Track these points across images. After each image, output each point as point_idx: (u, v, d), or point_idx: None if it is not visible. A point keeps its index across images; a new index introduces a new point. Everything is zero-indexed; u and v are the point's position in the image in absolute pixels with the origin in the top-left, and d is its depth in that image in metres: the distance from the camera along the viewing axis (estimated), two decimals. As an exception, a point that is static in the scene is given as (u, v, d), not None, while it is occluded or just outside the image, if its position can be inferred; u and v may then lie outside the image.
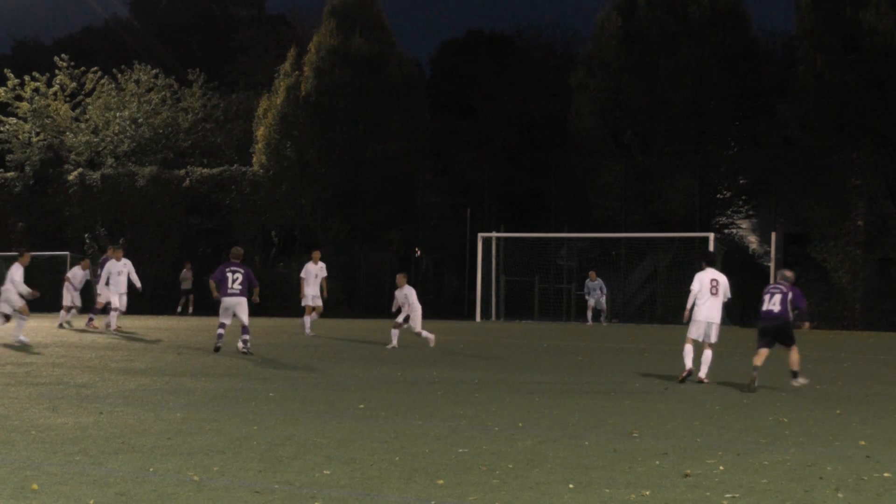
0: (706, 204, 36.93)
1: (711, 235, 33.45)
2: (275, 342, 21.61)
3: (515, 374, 15.41)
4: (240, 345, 18.08)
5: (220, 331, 18.35)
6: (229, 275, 18.37)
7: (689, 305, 15.04)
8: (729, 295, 15.25)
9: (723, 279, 15.09)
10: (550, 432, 9.47)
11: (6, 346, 18.93)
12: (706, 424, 10.18)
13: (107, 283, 23.98)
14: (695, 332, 14.81)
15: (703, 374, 14.54)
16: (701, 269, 15.52)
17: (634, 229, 36.38)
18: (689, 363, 14.57)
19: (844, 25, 32.25)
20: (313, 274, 23.94)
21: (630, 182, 37.04)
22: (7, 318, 20.82)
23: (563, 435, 9.33)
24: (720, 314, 14.86)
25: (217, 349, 18.08)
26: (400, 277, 20.77)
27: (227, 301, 18.30)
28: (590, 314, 32.77)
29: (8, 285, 20.73)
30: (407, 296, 20.32)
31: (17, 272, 20.82)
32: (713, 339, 14.79)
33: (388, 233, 40.41)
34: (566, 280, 37.16)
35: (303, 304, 24.04)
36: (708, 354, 14.65)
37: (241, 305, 18.30)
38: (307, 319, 23.86)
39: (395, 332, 20.36)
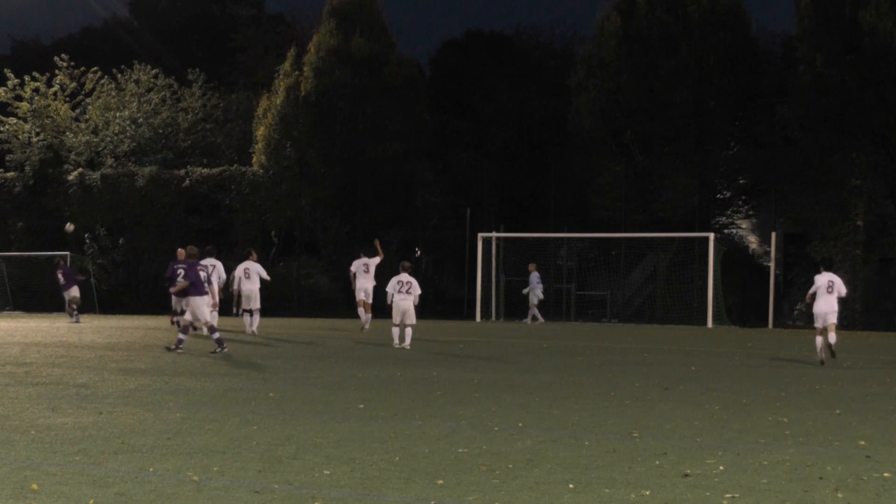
0: (706, 204, 36.94)
1: (711, 235, 33.45)
2: (275, 342, 21.61)
3: (515, 374, 15.40)
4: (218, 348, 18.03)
5: (186, 335, 18.54)
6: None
7: (807, 300, 18.99)
8: (843, 292, 18.86)
9: (837, 280, 18.79)
10: (550, 432, 9.46)
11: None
12: (706, 424, 10.18)
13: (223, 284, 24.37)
14: (819, 322, 18.38)
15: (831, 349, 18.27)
16: (819, 272, 19.08)
17: (634, 229, 36.38)
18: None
19: (844, 25, 32.25)
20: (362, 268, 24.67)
21: (630, 182, 37.05)
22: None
23: (563, 435, 9.33)
24: (836, 306, 18.50)
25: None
26: (407, 264, 20.66)
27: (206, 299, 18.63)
28: (538, 312, 32.65)
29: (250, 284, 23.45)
30: (411, 283, 20.04)
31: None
32: (833, 321, 18.34)
33: (388, 233, 40.39)
34: (566, 280, 37.16)
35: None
36: (832, 337, 18.21)
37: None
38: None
39: (395, 331, 20.23)
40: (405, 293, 19.85)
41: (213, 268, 23.76)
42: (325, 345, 21.17)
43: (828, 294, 18.45)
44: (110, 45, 54.93)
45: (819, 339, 18.29)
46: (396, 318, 20.04)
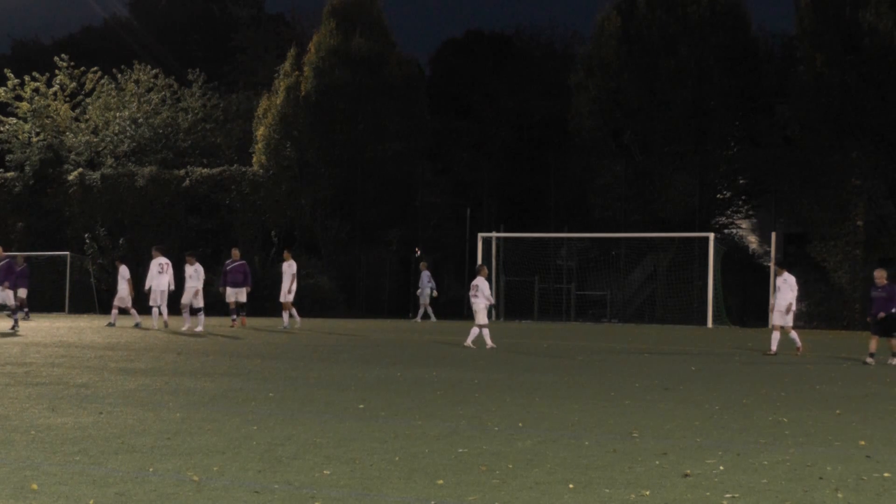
0: (706, 204, 36.94)
1: (711, 235, 33.45)
2: (275, 342, 21.62)
3: (515, 374, 15.40)
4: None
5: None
6: None
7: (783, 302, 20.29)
8: (795, 289, 20.33)
9: (791, 278, 20.28)
10: (550, 432, 9.46)
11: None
12: (706, 424, 10.18)
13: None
14: (778, 319, 20.07)
15: (773, 347, 19.86)
16: (778, 273, 20.57)
17: (634, 229, 36.38)
18: (774, 346, 19.94)
19: (844, 25, 32.26)
20: (284, 271, 26.54)
21: (630, 182, 37.05)
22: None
23: (563, 435, 9.32)
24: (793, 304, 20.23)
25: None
26: (479, 266, 21.74)
27: None
28: (423, 311, 32.91)
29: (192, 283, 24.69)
30: (477, 286, 20.52)
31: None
32: (790, 322, 20.18)
33: (387, 233, 40.42)
34: (566, 280, 37.16)
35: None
36: (793, 334, 20.08)
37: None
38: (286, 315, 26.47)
39: (485, 332, 20.46)
40: (473, 296, 20.57)
41: (167, 265, 24.86)
42: (325, 345, 21.17)
43: (777, 292, 20.28)
44: (110, 45, 54.94)
45: (778, 334, 20.09)
46: (475, 319, 20.68)
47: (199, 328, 24.18)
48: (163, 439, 8.73)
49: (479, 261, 35.32)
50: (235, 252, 27.02)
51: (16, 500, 6.45)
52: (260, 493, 6.74)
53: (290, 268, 26.26)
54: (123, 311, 27.25)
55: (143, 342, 20.69)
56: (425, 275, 32.81)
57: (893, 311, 18.42)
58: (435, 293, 33.12)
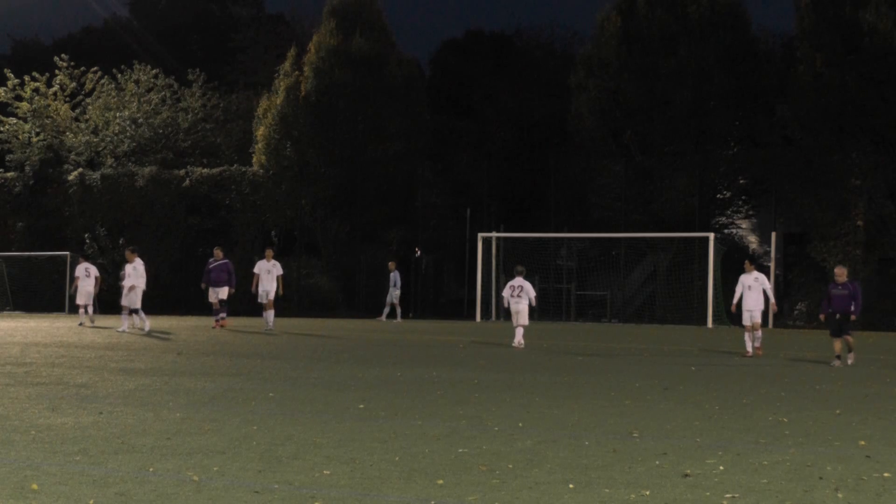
0: (706, 204, 36.93)
1: (711, 235, 33.45)
2: (275, 342, 21.62)
3: (515, 374, 15.40)
4: None
5: None
6: None
7: (735, 300, 20.29)
8: (769, 285, 20.22)
9: (762, 276, 20.20)
10: (550, 432, 9.46)
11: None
12: (706, 424, 10.18)
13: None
14: (746, 319, 19.80)
15: (757, 345, 19.69)
16: (748, 271, 20.21)
17: (634, 229, 36.38)
18: (749, 346, 19.69)
19: (844, 25, 32.25)
20: (266, 270, 25.82)
21: (630, 182, 37.05)
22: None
23: (563, 435, 9.32)
24: (760, 303, 19.79)
25: None
26: (521, 269, 21.40)
27: None
28: (390, 310, 32.84)
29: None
30: (523, 286, 20.60)
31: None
32: (758, 319, 19.75)
33: (387, 233, 40.42)
34: (566, 280, 37.16)
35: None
36: (758, 334, 19.74)
37: None
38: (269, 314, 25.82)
39: (518, 331, 20.61)
40: (517, 297, 20.55)
41: (141, 265, 24.58)
42: (325, 345, 21.17)
43: (751, 292, 19.90)
44: (110, 45, 54.97)
45: (747, 336, 19.81)
46: (514, 320, 20.71)
47: (124, 328, 23.89)
48: (163, 439, 8.73)
49: (480, 261, 35.35)
50: (218, 252, 26.45)
51: (16, 500, 6.45)
52: (260, 493, 6.74)
53: (275, 268, 25.82)
54: (74, 309, 27.19)
55: (143, 342, 20.70)
56: (395, 275, 32.70)
57: (852, 309, 17.97)
58: (397, 292, 33.02)
